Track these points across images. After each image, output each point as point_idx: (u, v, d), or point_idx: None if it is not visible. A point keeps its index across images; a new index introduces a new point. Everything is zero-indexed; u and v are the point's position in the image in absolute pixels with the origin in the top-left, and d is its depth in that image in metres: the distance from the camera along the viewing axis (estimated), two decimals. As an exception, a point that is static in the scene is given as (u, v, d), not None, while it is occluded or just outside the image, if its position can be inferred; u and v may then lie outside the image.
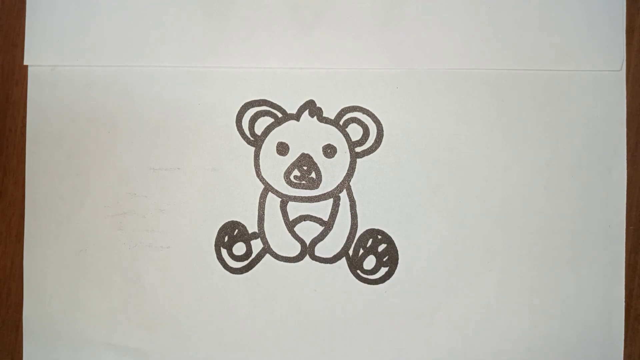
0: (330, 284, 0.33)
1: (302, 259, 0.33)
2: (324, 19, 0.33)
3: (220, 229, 0.33)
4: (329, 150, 0.33)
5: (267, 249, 0.33)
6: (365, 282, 0.33)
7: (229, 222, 0.33)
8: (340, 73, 0.33)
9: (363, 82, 0.33)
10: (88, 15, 0.33)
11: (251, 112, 0.33)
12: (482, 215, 0.32)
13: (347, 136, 0.33)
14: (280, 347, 0.33)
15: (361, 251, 0.33)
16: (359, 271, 0.33)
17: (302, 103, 0.33)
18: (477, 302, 0.32)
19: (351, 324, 0.33)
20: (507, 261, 0.32)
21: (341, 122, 0.33)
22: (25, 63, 0.33)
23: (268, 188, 0.33)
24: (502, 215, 0.32)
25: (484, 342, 0.32)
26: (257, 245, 0.33)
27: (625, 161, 0.32)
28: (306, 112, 0.33)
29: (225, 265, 0.33)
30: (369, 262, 0.33)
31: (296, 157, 0.33)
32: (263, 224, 0.33)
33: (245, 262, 0.33)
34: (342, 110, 0.33)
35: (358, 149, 0.33)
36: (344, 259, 0.33)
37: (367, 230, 0.33)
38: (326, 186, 0.33)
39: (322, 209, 0.33)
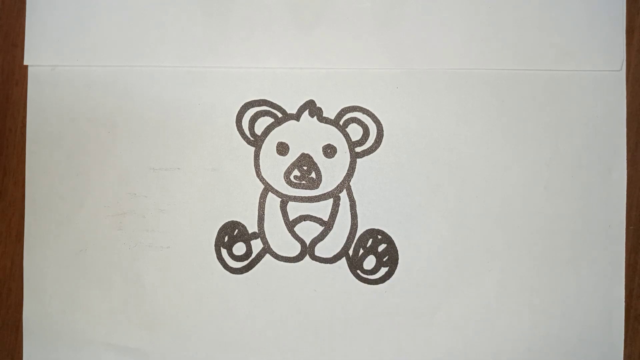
0: (330, 284, 0.33)
1: (302, 259, 0.33)
2: (324, 19, 0.33)
3: (220, 229, 0.33)
4: (329, 150, 0.33)
5: (267, 249, 0.33)
6: (365, 282, 0.33)
7: (229, 222, 0.33)
8: (340, 73, 0.33)
9: (363, 82, 0.33)
10: (88, 15, 0.33)
11: (251, 112, 0.33)
12: (482, 215, 0.32)
13: (347, 136, 0.33)
14: (280, 347, 0.33)
15: (361, 251, 0.33)
16: (359, 271, 0.33)
17: (302, 103, 0.33)
18: (477, 302, 0.32)
19: (351, 324, 0.33)
20: (507, 261, 0.32)
21: (341, 122, 0.33)
22: (25, 63, 0.33)
23: (268, 188, 0.33)
24: (502, 215, 0.32)
25: (484, 342, 0.32)
26: (257, 245, 0.33)
27: (625, 161, 0.32)
28: (306, 112, 0.33)
29: (225, 265, 0.33)
30: (369, 262, 0.33)
31: (296, 157, 0.33)
32: (263, 224, 0.33)
33: (245, 262, 0.33)
34: (342, 110, 0.33)
35: (358, 149, 0.33)
36: (344, 259, 0.33)
37: (367, 230, 0.33)
38: (326, 186, 0.33)
39: (322, 209, 0.33)
